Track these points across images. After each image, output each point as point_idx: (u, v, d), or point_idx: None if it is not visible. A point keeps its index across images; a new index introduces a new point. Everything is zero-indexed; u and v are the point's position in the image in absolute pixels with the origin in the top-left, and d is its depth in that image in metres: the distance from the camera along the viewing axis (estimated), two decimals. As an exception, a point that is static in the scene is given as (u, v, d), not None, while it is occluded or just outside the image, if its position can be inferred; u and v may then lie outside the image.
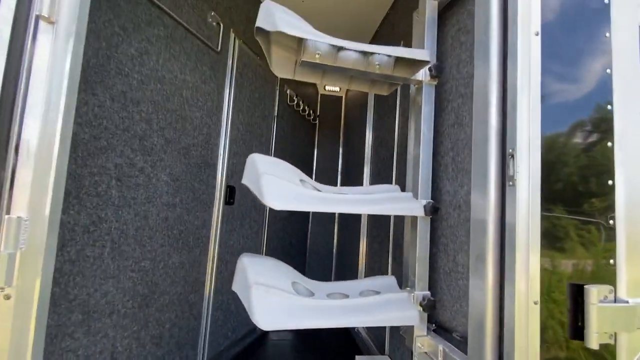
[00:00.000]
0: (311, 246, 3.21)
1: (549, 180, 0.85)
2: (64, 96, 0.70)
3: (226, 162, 1.91)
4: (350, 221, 2.67)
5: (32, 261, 0.64)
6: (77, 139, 1.09)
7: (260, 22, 1.11)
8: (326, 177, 3.31)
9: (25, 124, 0.66)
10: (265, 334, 2.45)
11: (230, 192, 1.95)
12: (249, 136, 2.16)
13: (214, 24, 1.77)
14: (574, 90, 0.89)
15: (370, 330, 2.19)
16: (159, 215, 1.46)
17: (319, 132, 3.38)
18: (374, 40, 2.64)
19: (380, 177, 2.15)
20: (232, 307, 2.03)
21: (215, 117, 1.83)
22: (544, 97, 0.87)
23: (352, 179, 2.88)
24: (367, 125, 2.43)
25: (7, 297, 0.61)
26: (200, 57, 1.68)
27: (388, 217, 1.84)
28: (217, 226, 1.85)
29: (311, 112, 3.13)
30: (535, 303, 0.82)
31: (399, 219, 1.69)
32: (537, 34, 0.88)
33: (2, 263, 0.57)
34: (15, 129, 0.65)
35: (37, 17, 0.64)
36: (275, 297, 0.99)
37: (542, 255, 0.83)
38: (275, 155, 2.50)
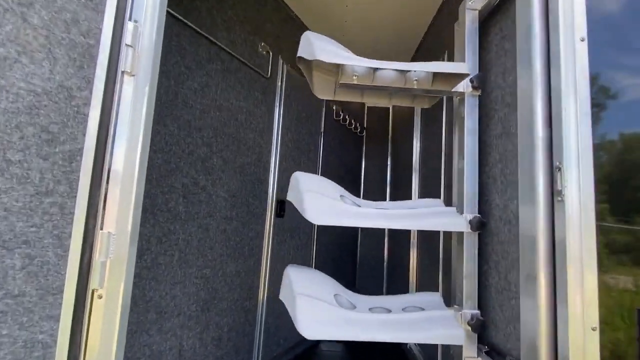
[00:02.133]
0: (361, 259, 3.21)
1: (604, 194, 0.78)
2: (142, 130, 0.86)
3: (276, 178, 2.05)
4: (400, 236, 2.62)
5: (118, 268, 0.79)
6: (152, 164, 1.29)
7: (301, 52, 1.21)
8: (375, 189, 3.30)
9: (114, 154, 0.83)
10: (316, 344, 2.50)
11: (281, 206, 2.08)
12: (297, 152, 2.29)
13: (264, 52, 1.94)
14: (628, 98, 0.81)
15: (422, 347, 2.11)
16: (218, 227, 1.62)
17: (366, 145, 3.40)
18: (419, 51, 2.62)
19: (428, 189, 2.10)
20: (283, 316, 2.13)
21: (267, 136, 1.99)
22: (593, 106, 0.81)
23: (401, 190, 2.84)
24: (415, 136, 2.40)
25: (100, 297, 0.76)
26: (252, 84, 1.85)
27: (437, 232, 1.79)
28: (269, 238, 1.98)
29: (357, 125, 3.18)
30: (594, 329, 0.75)
31: (449, 234, 1.64)
32: (582, 40, 0.83)
33: (97, 269, 0.73)
34: (107, 158, 0.82)
35: (123, 73, 0.81)
36: (317, 308, 1.05)
37: (600, 274, 0.76)
38: (322, 169, 2.59)
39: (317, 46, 1.15)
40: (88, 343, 0.70)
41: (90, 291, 0.72)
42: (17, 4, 0.62)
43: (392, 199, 3.18)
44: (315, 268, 2.47)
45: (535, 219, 0.88)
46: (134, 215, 0.82)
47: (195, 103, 1.48)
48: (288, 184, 2.14)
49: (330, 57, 1.13)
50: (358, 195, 3.20)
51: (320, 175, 2.61)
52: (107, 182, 0.80)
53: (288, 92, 2.15)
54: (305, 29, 2.38)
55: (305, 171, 2.36)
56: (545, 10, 0.91)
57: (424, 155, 2.25)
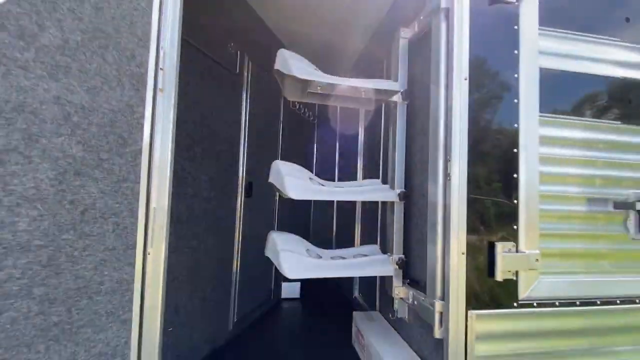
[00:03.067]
0: (313, 227, 3.71)
1: (473, 178, 1.32)
2: (170, 133, 1.14)
3: (245, 163, 2.36)
4: (348, 207, 3.14)
5: (158, 232, 1.09)
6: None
7: (277, 66, 1.55)
8: (326, 170, 3.77)
9: (154, 151, 1.08)
10: (278, 301, 2.96)
11: (249, 187, 2.41)
12: (262, 139, 2.61)
13: (233, 52, 2.19)
14: (492, 116, 1.34)
15: (366, 297, 2.69)
16: (201, 206, 1.91)
17: (317, 132, 3.82)
18: (358, 65, 3.06)
19: (370, 171, 2.62)
20: (253, 280, 2.51)
21: (236, 126, 2.27)
22: (470, 122, 1.32)
23: (348, 172, 3.34)
24: (360, 129, 2.88)
25: (149, 252, 1.07)
26: (223, 80, 2.11)
27: (377, 202, 2.31)
28: (240, 214, 2.31)
29: (310, 114, 3.56)
30: (463, 254, 1.29)
31: (385, 203, 2.17)
32: (465, 79, 1.34)
33: (150, 232, 1.03)
34: (153, 155, 1.08)
35: (159, 90, 1.08)
36: (295, 258, 1.46)
37: (468, 224, 1.30)
38: (282, 153, 2.95)
39: (292, 64, 1.50)
40: (146, 280, 1.02)
41: (148, 255, 1.03)
42: (98, 46, 0.88)
43: (340, 179, 3.68)
44: (275, 227, 2.87)
45: (436, 192, 1.40)
46: (168, 195, 1.12)
47: (180, 100, 1.72)
48: (255, 168, 2.47)
49: (302, 74, 1.49)
50: (311, 176, 3.63)
51: (280, 157, 2.97)
52: (152, 171, 1.08)
53: (253, 86, 2.43)
54: (268, 30, 2.64)
55: (267, 155, 2.70)
56: (447, 53, 1.40)
57: (367, 145, 2.75)
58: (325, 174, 3.73)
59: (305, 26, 2.62)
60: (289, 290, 3.14)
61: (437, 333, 1.34)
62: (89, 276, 0.86)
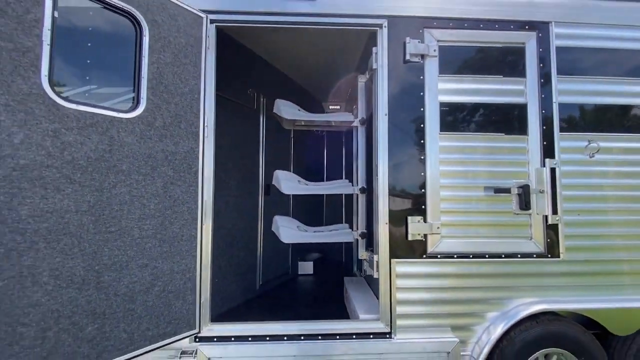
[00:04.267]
0: (310, 212, 4.59)
1: (394, 175, 2.10)
2: (212, 159, 2.06)
3: (264, 171, 3.28)
4: (335, 198, 3.95)
5: (209, 214, 2.03)
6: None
7: (275, 110, 2.45)
8: (313, 173, 4.62)
9: (204, 169, 2.02)
10: (295, 275, 3.86)
11: (267, 188, 3.34)
12: (274, 153, 3.52)
13: (251, 94, 3.13)
14: (406, 136, 2.11)
15: (359, 270, 3.49)
16: (235, 202, 2.86)
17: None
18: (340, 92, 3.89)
19: (339, 174, 3.42)
20: (273, 256, 3.43)
21: (256, 144, 3.21)
22: (390, 147, 2.10)
23: (328, 175, 4.15)
24: (343, 142, 3.70)
25: (203, 224, 2.01)
26: (246, 114, 3.05)
27: (348, 195, 3.10)
28: (261, 207, 3.24)
29: (320, 131, 4.45)
30: (386, 223, 2.08)
31: (350, 196, 2.97)
32: (386, 115, 2.12)
33: (205, 216, 1.97)
34: (204, 175, 2.02)
35: (205, 138, 2.02)
36: (290, 231, 2.34)
37: (390, 205, 2.08)
38: (294, 163, 3.85)
39: (282, 109, 2.39)
40: (202, 237, 1.95)
41: (205, 229, 1.96)
42: (179, 123, 1.83)
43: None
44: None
45: (377, 187, 2.19)
46: (212, 194, 2.05)
47: (217, 133, 2.68)
48: (271, 175, 3.39)
49: (290, 115, 2.38)
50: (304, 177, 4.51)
51: (292, 165, 3.88)
52: (204, 181, 2.00)
53: (267, 115, 3.36)
54: (278, 72, 3.55)
55: (278, 165, 3.61)
56: (376, 92, 2.19)
57: (336, 153, 3.57)
58: (310, 177, 4.57)
59: (302, 67, 3.50)
60: (304, 268, 4.02)
61: (375, 274, 2.14)
62: (178, 231, 1.81)
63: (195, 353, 1.94)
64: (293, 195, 3.51)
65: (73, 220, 1.41)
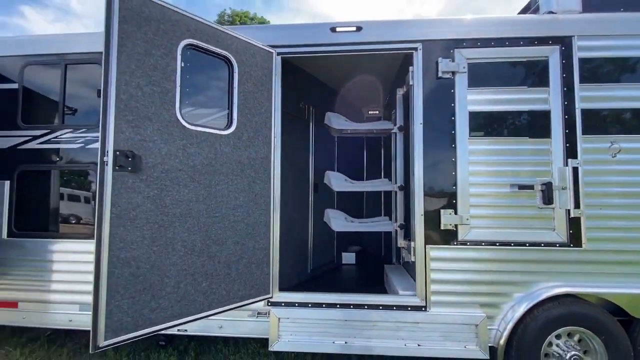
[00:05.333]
0: (352, 206, 5.02)
1: (426, 180, 2.49)
2: (279, 160, 2.61)
3: (313, 172, 3.81)
4: (372, 195, 4.37)
5: (277, 205, 2.58)
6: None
7: (326, 122, 2.95)
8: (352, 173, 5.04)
9: (275, 170, 2.57)
10: (340, 264, 4.34)
11: (316, 186, 3.86)
12: (323, 157, 4.04)
13: (303, 106, 3.67)
14: (438, 141, 2.50)
15: (397, 258, 3.88)
16: (292, 196, 3.41)
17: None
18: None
19: (385, 174, 3.82)
20: (321, 245, 3.94)
21: (306, 152, 3.74)
22: (424, 151, 2.50)
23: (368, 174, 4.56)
24: (382, 146, 4.10)
25: (273, 211, 2.57)
26: (299, 125, 3.59)
27: (386, 192, 3.51)
28: (312, 202, 3.77)
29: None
30: (421, 215, 2.48)
31: (388, 192, 3.37)
32: (421, 124, 2.52)
33: (276, 212, 2.52)
34: (274, 180, 2.57)
35: (275, 147, 2.57)
36: (339, 221, 2.83)
37: (425, 200, 2.48)
38: (338, 164, 4.34)
39: (332, 121, 2.88)
40: (273, 222, 2.50)
41: (275, 218, 2.51)
42: (247, 119, 2.40)
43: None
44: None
45: (414, 185, 2.60)
46: (278, 190, 2.59)
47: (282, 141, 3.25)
48: (320, 175, 3.91)
49: (338, 125, 2.86)
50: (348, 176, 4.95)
51: (337, 166, 4.37)
52: (275, 180, 2.55)
53: (315, 123, 3.88)
54: (324, 85, 4.05)
55: (326, 167, 4.12)
56: (414, 107, 2.60)
57: (374, 155, 3.96)
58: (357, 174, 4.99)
59: (346, 81, 3.97)
60: (347, 258, 4.49)
61: (412, 258, 2.55)
62: (258, 217, 2.37)
63: (268, 314, 2.50)
64: (337, 192, 4.00)
65: (194, 208, 2.01)
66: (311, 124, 3.80)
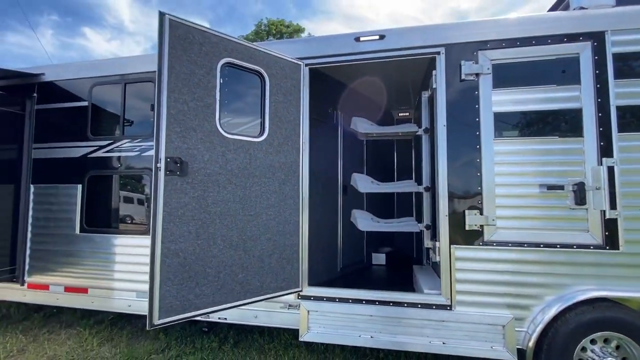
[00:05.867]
0: (379, 207, 5.06)
1: (451, 180, 2.54)
2: (307, 164, 2.80)
3: (342, 175, 3.95)
4: (400, 196, 4.39)
5: (305, 210, 2.77)
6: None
7: (352, 126, 3.09)
8: (378, 173, 5.07)
9: (303, 174, 2.78)
10: (370, 264, 4.44)
11: (345, 189, 4.00)
12: (351, 160, 4.17)
13: (331, 111, 3.84)
14: (463, 142, 2.54)
15: (427, 259, 3.89)
16: (322, 198, 3.59)
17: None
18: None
19: (408, 174, 3.85)
20: (351, 246, 4.07)
21: (334, 155, 3.91)
22: (448, 152, 2.55)
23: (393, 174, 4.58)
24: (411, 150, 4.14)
25: (302, 212, 2.76)
26: (328, 130, 3.77)
27: (416, 193, 3.55)
28: (341, 203, 3.92)
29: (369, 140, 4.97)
30: (446, 215, 2.53)
31: (420, 193, 3.41)
32: (444, 125, 2.57)
33: (304, 211, 2.72)
34: (303, 182, 2.77)
35: (303, 151, 2.77)
36: (365, 221, 2.96)
37: (449, 200, 2.52)
38: (367, 165, 4.45)
39: (359, 125, 3.03)
40: (302, 222, 2.69)
41: (304, 217, 2.71)
42: (278, 127, 2.62)
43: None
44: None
45: (439, 185, 2.66)
46: (307, 191, 2.79)
47: (311, 146, 3.45)
48: (348, 177, 4.05)
49: (364, 129, 3.00)
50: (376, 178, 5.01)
51: (365, 168, 4.49)
52: (303, 183, 2.75)
53: (343, 127, 4.03)
54: (352, 90, 4.20)
55: (355, 170, 4.24)
56: (442, 109, 2.66)
57: (405, 157, 3.99)
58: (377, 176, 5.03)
59: (373, 85, 4.09)
60: (377, 259, 4.57)
61: (437, 258, 2.61)
62: (288, 216, 2.58)
63: (299, 307, 2.69)
64: (366, 193, 4.11)
65: (232, 207, 2.27)
66: (339, 129, 3.96)
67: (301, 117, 2.73)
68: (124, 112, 3.31)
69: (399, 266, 4.45)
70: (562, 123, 2.43)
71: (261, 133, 2.49)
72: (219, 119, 2.24)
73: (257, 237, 2.39)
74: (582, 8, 2.54)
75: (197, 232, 2.11)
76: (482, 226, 2.48)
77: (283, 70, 2.62)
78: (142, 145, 3.21)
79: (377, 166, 4.63)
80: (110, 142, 3.30)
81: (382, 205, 4.74)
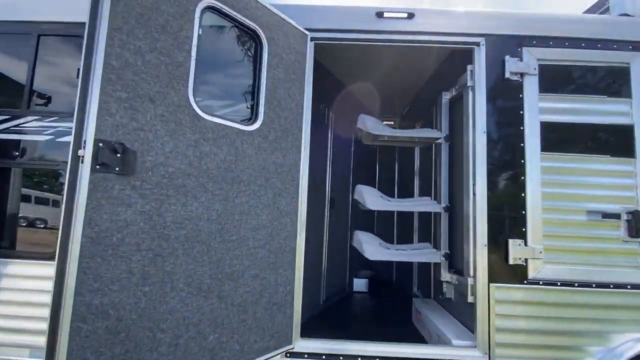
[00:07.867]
0: (378, 228, 4.48)
1: (492, 196, 2.03)
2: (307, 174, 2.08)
3: (330, 185, 3.28)
4: (406, 215, 3.88)
5: (303, 224, 2.02)
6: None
7: (359, 125, 2.46)
8: (386, 188, 4.55)
9: (303, 176, 2.04)
10: (351, 292, 3.77)
11: (332, 202, 3.32)
12: (341, 167, 3.53)
13: (323, 109, 3.17)
14: (504, 155, 2.05)
15: (422, 289, 3.37)
16: (310, 214, 2.86)
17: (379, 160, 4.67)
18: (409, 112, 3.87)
19: (423, 190, 3.36)
20: (334, 272, 3.38)
21: (324, 161, 3.23)
22: (488, 160, 2.05)
23: (406, 190, 4.09)
24: (415, 160, 3.64)
25: (300, 236, 2.01)
26: (319, 129, 3.08)
27: (429, 212, 3.02)
28: (327, 218, 3.22)
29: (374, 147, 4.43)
30: (485, 245, 1.99)
31: (436, 214, 2.89)
32: (484, 132, 2.07)
33: (302, 225, 1.97)
34: (303, 187, 2.04)
35: (304, 152, 2.04)
36: (373, 248, 2.30)
37: (489, 226, 2.00)
38: (353, 175, 3.84)
39: (368, 124, 2.39)
40: (297, 263, 1.94)
41: (301, 242, 1.95)
42: (276, 114, 1.87)
43: (399, 195, 4.42)
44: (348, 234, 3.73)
45: (468, 206, 2.13)
46: (305, 203, 2.05)
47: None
48: (335, 189, 3.38)
49: (376, 130, 2.37)
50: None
51: (351, 176, 3.87)
52: (302, 189, 2.00)
53: (334, 129, 3.39)
54: (343, 86, 3.59)
55: (343, 178, 3.60)
56: (472, 114, 2.15)
57: (421, 170, 3.51)
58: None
59: (369, 84, 3.53)
60: (358, 285, 3.93)
61: (470, 299, 2.05)
62: (282, 242, 1.81)
63: (287, 369, 1.90)
64: (353, 208, 3.48)
65: (204, 228, 1.44)
66: (330, 127, 3.31)
67: (305, 104, 2.01)
68: (32, 76, 2.24)
69: (382, 294, 3.87)
70: (613, 140, 2.08)
71: (253, 119, 1.71)
72: (193, 89, 1.42)
73: (240, 274, 1.58)
74: (626, 15, 2.26)
75: (145, 272, 1.24)
76: (526, 260, 1.99)
77: (287, 38, 1.88)
78: (58, 127, 2.17)
79: (372, 176, 4.05)
80: (6, 118, 2.19)
81: (369, 221, 4.15)
